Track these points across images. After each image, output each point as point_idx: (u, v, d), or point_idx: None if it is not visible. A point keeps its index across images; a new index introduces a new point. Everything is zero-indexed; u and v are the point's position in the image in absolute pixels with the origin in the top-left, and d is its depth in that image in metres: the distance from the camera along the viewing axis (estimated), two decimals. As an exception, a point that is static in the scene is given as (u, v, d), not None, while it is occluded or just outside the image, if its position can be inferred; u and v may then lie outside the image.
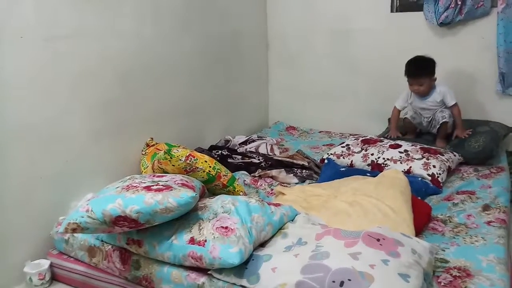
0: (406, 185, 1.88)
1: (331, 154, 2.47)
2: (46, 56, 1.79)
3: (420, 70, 2.51)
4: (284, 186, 2.21)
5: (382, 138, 2.57)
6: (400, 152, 2.31)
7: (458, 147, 2.46)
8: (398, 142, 2.44)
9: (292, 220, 1.68)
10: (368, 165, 2.32)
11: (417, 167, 2.20)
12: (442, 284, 1.40)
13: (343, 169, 2.30)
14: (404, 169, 2.19)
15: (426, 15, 2.76)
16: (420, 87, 2.51)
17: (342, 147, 2.52)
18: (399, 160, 2.26)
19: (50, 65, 1.81)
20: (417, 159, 2.24)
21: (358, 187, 1.90)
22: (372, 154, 2.35)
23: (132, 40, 2.19)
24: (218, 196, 1.72)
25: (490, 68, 2.66)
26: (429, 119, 2.64)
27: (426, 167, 2.19)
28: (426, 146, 2.39)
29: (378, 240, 1.39)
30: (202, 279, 1.46)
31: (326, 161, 2.45)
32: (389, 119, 2.89)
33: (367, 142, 2.49)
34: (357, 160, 2.37)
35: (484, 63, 2.69)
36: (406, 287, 1.23)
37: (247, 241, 1.43)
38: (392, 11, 2.91)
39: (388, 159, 2.28)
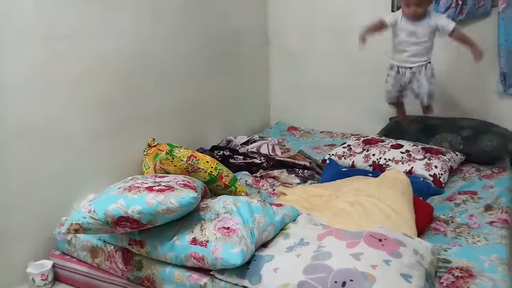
0: (407, 185, 1.88)
1: (333, 154, 2.47)
2: (46, 56, 1.79)
3: None
4: (286, 186, 2.21)
5: (383, 138, 2.56)
6: (402, 153, 2.31)
7: (470, 141, 2.42)
8: (400, 142, 2.43)
9: (294, 221, 1.68)
10: (370, 165, 2.32)
11: (419, 168, 2.20)
12: (444, 284, 1.40)
13: (345, 169, 2.30)
14: (406, 170, 2.19)
15: (427, 15, 2.75)
16: (418, 8, 2.21)
17: (343, 147, 2.52)
18: (401, 161, 2.26)
19: (50, 64, 1.81)
20: (418, 160, 2.24)
21: (360, 187, 1.90)
22: (373, 155, 2.35)
23: (132, 40, 2.19)
24: (220, 196, 1.72)
25: (491, 68, 2.65)
26: (423, 71, 2.32)
27: (427, 167, 2.19)
28: (427, 146, 2.38)
29: (380, 240, 1.39)
30: (204, 280, 1.46)
31: (327, 161, 2.45)
32: (390, 119, 2.86)
33: (369, 142, 2.49)
34: (359, 161, 2.37)
35: (485, 63, 2.67)
36: (408, 287, 1.23)
37: (249, 241, 1.43)
38: (393, 10, 2.90)
39: (389, 159, 2.28)
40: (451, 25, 2.25)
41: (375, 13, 2.93)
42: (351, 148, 2.48)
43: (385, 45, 2.97)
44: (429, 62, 2.35)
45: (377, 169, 2.27)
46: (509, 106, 2.67)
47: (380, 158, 2.31)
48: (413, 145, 2.37)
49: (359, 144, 2.49)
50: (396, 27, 2.34)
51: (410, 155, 2.28)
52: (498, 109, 2.68)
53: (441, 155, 2.27)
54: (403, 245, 1.39)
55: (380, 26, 2.39)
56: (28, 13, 1.71)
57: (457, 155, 2.35)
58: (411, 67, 2.33)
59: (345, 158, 2.42)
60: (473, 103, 2.74)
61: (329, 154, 2.49)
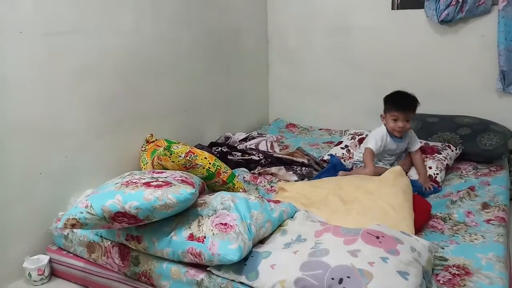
0: (408, 184, 1.89)
1: (331, 155, 2.48)
2: (46, 51, 1.79)
3: (415, 103, 2.17)
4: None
5: None
6: None
7: (468, 140, 2.43)
8: None
9: (292, 217, 1.68)
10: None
11: (413, 173, 2.21)
12: (441, 282, 1.40)
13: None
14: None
15: (427, 13, 2.75)
16: (407, 124, 2.16)
17: (341, 148, 2.52)
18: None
19: (50, 60, 1.81)
20: None
21: (361, 184, 1.90)
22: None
23: (132, 36, 2.18)
24: (218, 192, 1.72)
25: (491, 66, 2.65)
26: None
27: None
28: (423, 144, 2.37)
29: (378, 237, 1.39)
30: (201, 276, 1.46)
31: (330, 158, 2.44)
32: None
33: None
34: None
35: (484, 61, 2.68)
36: (405, 284, 1.23)
37: (246, 237, 1.43)
38: (393, 8, 2.90)
39: None
40: (418, 145, 2.28)
41: (375, 12, 2.95)
42: (349, 150, 2.48)
43: (384, 44, 2.98)
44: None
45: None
46: (508, 104, 2.67)
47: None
48: None
49: (356, 145, 2.49)
50: (382, 148, 2.24)
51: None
52: (497, 107, 2.68)
53: (436, 154, 2.27)
54: (401, 242, 1.39)
55: (373, 155, 2.23)
56: (27, 8, 1.71)
57: (452, 151, 2.35)
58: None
59: (344, 161, 2.43)
60: (472, 101, 2.74)
61: (327, 155, 2.49)
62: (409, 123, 2.19)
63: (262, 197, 1.68)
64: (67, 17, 1.85)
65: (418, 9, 2.79)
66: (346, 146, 2.52)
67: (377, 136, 2.24)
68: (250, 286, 1.36)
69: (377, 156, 2.26)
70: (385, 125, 2.23)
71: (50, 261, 1.79)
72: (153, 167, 1.94)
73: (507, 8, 2.50)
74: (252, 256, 1.43)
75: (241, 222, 1.47)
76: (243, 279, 1.37)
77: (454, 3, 2.61)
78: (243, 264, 1.40)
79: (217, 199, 1.61)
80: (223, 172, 1.95)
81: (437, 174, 2.17)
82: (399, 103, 2.18)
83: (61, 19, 1.83)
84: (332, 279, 1.24)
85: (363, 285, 1.21)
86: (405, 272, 1.27)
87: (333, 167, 2.30)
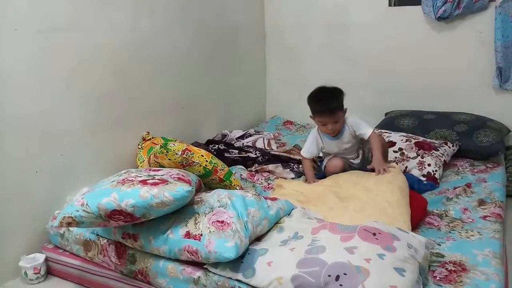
0: (404, 181, 1.89)
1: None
2: (41, 49, 1.77)
3: (334, 102, 2.01)
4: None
5: (375, 131, 2.50)
6: (395, 152, 2.30)
7: (464, 137, 2.43)
8: (392, 138, 2.40)
9: (289, 214, 1.67)
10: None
11: (413, 167, 2.20)
12: (438, 278, 1.40)
13: None
14: (401, 170, 2.19)
15: (424, 9, 2.74)
16: (336, 124, 2.02)
17: None
18: (395, 161, 2.25)
19: (45, 58, 1.79)
20: (412, 158, 2.24)
21: (358, 181, 1.90)
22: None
23: (129, 34, 2.17)
24: (214, 190, 1.72)
25: (488, 62, 2.65)
26: (358, 159, 2.17)
27: (420, 167, 2.19)
28: (420, 140, 2.37)
29: (374, 234, 1.39)
30: (197, 273, 1.45)
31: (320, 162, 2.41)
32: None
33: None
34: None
35: (481, 57, 2.68)
36: (401, 281, 1.23)
37: (243, 235, 1.43)
38: (390, 4, 2.90)
39: None
40: (369, 131, 2.06)
41: (372, 9, 2.95)
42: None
43: (381, 41, 2.98)
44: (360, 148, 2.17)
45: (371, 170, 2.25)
46: (505, 101, 2.67)
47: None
48: (406, 141, 2.36)
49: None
50: (320, 150, 2.17)
51: (403, 153, 2.28)
52: (494, 104, 2.69)
53: (433, 151, 2.27)
54: (397, 239, 1.39)
55: (309, 163, 2.16)
56: (23, 5, 1.69)
57: (450, 147, 2.35)
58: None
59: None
60: (469, 98, 2.74)
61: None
62: (339, 123, 2.02)
63: (259, 195, 1.68)
64: (62, 14, 1.84)
65: (415, 5, 2.79)
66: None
67: (308, 142, 2.14)
68: (247, 284, 1.36)
69: (328, 155, 2.14)
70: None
71: (46, 259, 1.78)
72: (150, 165, 1.94)
73: (504, 4, 2.50)
74: (248, 254, 1.42)
75: (237, 220, 1.47)
76: (240, 276, 1.37)
77: (451, 0, 2.61)
78: (239, 261, 1.40)
79: (214, 197, 1.61)
80: (220, 170, 1.94)
81: (436, 171, 2.17)
82: (317, 107, 2.03)
83: (57, 16, 1.82)
84: (329, 276, 1.24)
85: (360, 282, 1.21)
86: (402, 269, 1.27)
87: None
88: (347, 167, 2.14)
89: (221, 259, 1.38)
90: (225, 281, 1.40)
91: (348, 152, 2.15)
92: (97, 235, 1.67)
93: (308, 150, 2.15)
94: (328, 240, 1.39)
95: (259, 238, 1.53)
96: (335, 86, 2.09)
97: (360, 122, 2.10)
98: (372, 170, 1.99)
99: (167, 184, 1.51)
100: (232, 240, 1.39)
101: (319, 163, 2.40)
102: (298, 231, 1.51)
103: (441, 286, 1.36)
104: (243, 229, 1.45)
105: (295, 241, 1.45)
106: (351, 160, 2.17)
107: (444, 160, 2.27)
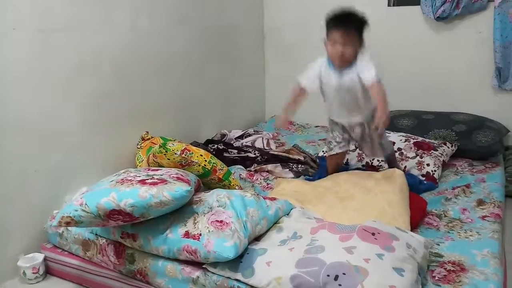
0: (404, 181, 1.89)
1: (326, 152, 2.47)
2: (40, 48, 1.77)
3: (350, 19, 1.75)
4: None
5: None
6: (394, 152, 2.30)
7: (463, 137, 2.43)
8: (391, 139, 2.39)
9: (288, 214, 1.67)
10: (363, 165, 2.32)
11: (412, 167, 2.20)
12: (437, 278, 1.40)
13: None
14: (400, 169, 2.19)
15: (423, 9, 2.75)
16: (347, 48, 1.69)
17: None
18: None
19: (45, 57, 1.79)
20: (411, 158, 2.24)
21: (358, 181, 1.90)
22: (366, 155, 2.33)
23: (128, 34, 2.16)
24: (214, 190, 1.72)
25: (486, 63, 2.66)
26: (359, 117, 1.85)
27: (419, 166, 2.19)
28: (419, 140, 2.37)
29: (373, 234, 1.39)
30: (197, 273, 1.45)
31: (320, 161, 2.40)
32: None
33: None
34: (352, 159, 2.35)
35: (480, 57, 2.69)
36: (400, 281, 1.23)
37: (242, 235, 1.43)
38: (389, 4, 2.90)
39: (383, 160, 2.24)
40: (372, 77, 1.72)
41: (371, 9, 2.94)
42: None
43: (380, 41, 2.97)
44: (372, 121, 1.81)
45: (371, 170, 2.25)
46: (504, 101, 2.68)
47: (373, 158, 2.28)
48: (405, 141, 2.36)
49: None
50: (319, 83, 1.82)
51: (402, 153, 2.28)
52: (493, 104, 2.69)
53: (432, 151, 2.27)
54: (396, 239, 1.39)
55: (300, 92, 1.85)
56: (22, 5, 1.69)
57: (448, 147, 2.36)
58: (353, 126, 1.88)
59: None
60: (468, 98, 2.75)
61: (323, 151, 2.48)
62: (351, 48, 1.69)
63: (258, 194, 1.68)
64: (62, 14, 1.83)
65: (415, 5, 2.79)
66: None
67: (310, 67, 1.79)
68: (246, 284, 1.36)
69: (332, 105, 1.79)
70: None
71: (45, 259, 1.78)
72: (149, 165, 1.93)
73: (503, 4, 2.50)
74: (247, 253, 1.42)
75: (237, 220, 1.47)
76: (239, 276, 1.37)
77: (450, 0, 2.61)
78: (238, 261, 1.40)
79: (213, 197, 1.61)
80: (219, 170, 1.94)
81: (435, 171, 2.17)
82: (332, 19, 1.74)
83: (56, 15, 1.81)
84: (328, 275, 1.24)
85: (359, 282, 1.21)
86: (401, 269, 1.27)
87: (324, 170, 2.28)
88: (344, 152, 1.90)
89: (220, 259, 1.38)
90: (224, 280, 1.40)
91: (347, 104, 1.79)
92: (96, 234, 1.67)
93: (307, 74, 1.82)
94: (327, 240, 1.39)
95: (258, 238, 1.53)
96: (358, 11, 1.78)
97: (369, 65, 1.73)
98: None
99: (166, 183, 1.51)
100: (231, 240, 1.39)
101: (318, 161, 2.40)
102: (297, 231, 1.51)
103: (440, 286, 1.36)
104: (242, 229, 1.45)
105: (294, 241, 1.45)
106: (351, 118, 1.84)
107: (443, 160, 2.27)
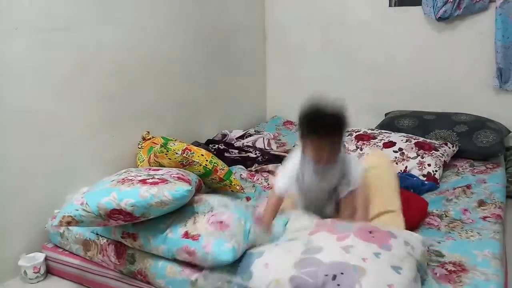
0: (390, 167, 1.81)
1: None
2: (42, 48, 1.78)
3: (336, 123, 1.47)
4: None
5: (375, 133, 2.49)
6: (395, 152, 2.30)
7: (464, 138, 2.42)
8: (392, 138, 2.39)
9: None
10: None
11: (413, 168, 2.20)
12: (438, 275, 1.40)
13: None
14: (401, 170, 2.19)
15: (424, 10, 2.74)
16: (330, 149, 1.48)
17: None
18: (395, 161, 2.25)
19: (46, 57, 1.80)
20: (412, 158, 2.24)
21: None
22: (367, 154, 2.33)
23: (129, 33, 2.17)
24: (215, 194, 1.71)
25: (488, 63, 2.65)
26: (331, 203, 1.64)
27: (420, 167, 2.19)
28: (420, 140, 2.37)
29: (371, 232, 1.39)
30: (195, 275, 1.45)
31: None
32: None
33: (361, 138, 2.47)
34: None
35: (481, 58, 2.68)
36: (398, 279, 1.23)
37: (241, 239, 1.42)
38: (390, 5, 2.89)
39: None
40: (359, 179, 1.59)
41: (372, 9, 2.95)
42: (344, 145, 2.46)
43: (381, 41, 2.98)
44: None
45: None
46: (505, 101, 2.67)
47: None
48: (406, 141, 2.36)
49: (352, 140, 2.48)
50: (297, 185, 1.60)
51: (403, 153, 2.28)
52: (494, 104, 2.68)
53: (433, 151, 2.27)
54: (394, 236, 1.38)
55: (276, 203, 1.57)
56: (23, 4, 1.70)
57: (449, 147, 2.35)
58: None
59: None
60: (469, 98, 2.74)
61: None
62: (334, 148, 1.49)
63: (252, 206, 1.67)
64: (63, 13, 1.84)
65: (416, 6, 2.79)
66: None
67: (288, 169, 1.57)
68: (245, 286, 1.35)
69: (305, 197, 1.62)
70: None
71: (46, 259, 1.79)
72: (150, 164, 1.94)
73: (505, 5, 2.49)
74: (245, 256, 1.42)
75: (238, 222, 1.47)
76: (238, 279, 1.36)
77: (451, 0, 2.61)
78: (236, 264, 1.39)
79: (214, 199, 1.61)
80: (220, 169, 1.94)
81: (436, 171, 2.17)
82: (314, 125, 1.48)
83: (57, 15, 1.82)
84: (326, 275, 1.24)
85: (357, 281, 1.21)
86: (398, 267, 1.26)
87: None
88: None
89: (218, 261, 1.38)
90: (223, 284, 1.39)
91: (322, 196, 1.63)
92: (97, 234, 1.68)
93: (286, 181, 1.56)
94: (325, 240, 1.38)
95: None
96: (337, 105, 1.48)
97: (357, 166, 1.61)
98: None
99: (166, 183, 1.51)
100: (229, 242, 1.39)
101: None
102: (294, 231, 1.50)
103: (441, 284, 1.36)
104: (242, 232, 1.44)
105: (291, 242, 1.45)
106: (323, 208, 1.64)
107: (444, 161, 2.26)
